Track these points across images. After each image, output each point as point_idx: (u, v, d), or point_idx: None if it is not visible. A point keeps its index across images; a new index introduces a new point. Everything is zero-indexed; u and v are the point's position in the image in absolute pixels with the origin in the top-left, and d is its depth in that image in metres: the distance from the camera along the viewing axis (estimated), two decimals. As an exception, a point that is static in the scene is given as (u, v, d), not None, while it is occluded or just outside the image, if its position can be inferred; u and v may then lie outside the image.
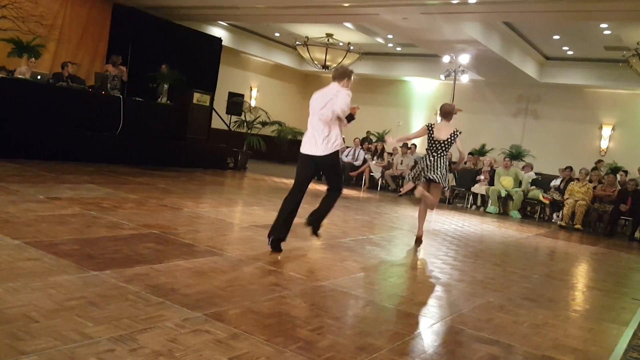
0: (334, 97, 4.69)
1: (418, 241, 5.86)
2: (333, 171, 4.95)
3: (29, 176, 6.61)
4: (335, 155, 4.78)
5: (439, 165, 5.70)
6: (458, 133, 5.75)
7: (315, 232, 5.01)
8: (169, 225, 4.89)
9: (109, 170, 8.42)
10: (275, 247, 4.57)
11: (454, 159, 9.44)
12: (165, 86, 11.21)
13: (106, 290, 2.91)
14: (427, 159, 5.77)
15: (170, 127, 11.02)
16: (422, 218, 5.91)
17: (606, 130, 14.49)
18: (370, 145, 13.76)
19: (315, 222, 4.99)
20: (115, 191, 6.43)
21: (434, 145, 5.76)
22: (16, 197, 5.09)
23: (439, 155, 5.73)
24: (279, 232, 4.61)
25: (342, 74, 4.87)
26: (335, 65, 14.46)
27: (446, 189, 6.33)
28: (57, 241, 3.76)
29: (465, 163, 12.12)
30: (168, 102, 11.20)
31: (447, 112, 5.91)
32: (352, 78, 4.96)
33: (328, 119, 4.69)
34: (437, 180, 5.68)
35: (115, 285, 3.02)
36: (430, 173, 5.69)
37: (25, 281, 2.85)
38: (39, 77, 8.85)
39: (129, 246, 3.93)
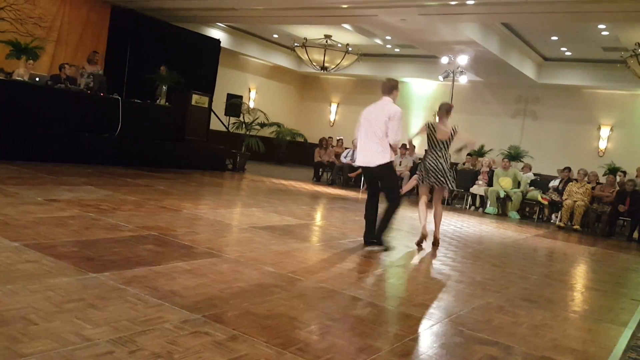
0: (388, 120, 5.09)
1: (423, 239, 5.87)
2: (385, 183, 5.33)
3: (27, 178, 6.61)
4: (387, 166, 5.19)
5: (442, 167, 5.72)
6: (457, 127, 5.80)
7: (375, 243, 5.34)
8: (168, 227, 4.88)
9: (107, 172, 8.41)
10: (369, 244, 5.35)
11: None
12: (164, 88, 11.21)
13: (105, 292, 2.91)
14: (429, 160, 5.78)
15: (168, 129, 11.02)
16: (424, 215, 5.89)
17: (604, 131, 14.52)
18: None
19: (374, 237, 5.35)
20: (114, 193, 6.42)
21: (436, 145, 5.77)
22: (14, 199, 5.08)
23: (440, 155, 5.75)
24: (368, 237, 5.37)
25: (390, 88, 5.29)
26: (333, 66, 14.50)
27: (452, 189, 6.33)
28: (56, 243, 3.75)
29: (470, 155, 12.16)
30: (166, 103, 11.20)
31: (446, 111, 5.94)
32: (399, 88, 5.45)
33: (381, 135, 5.09)
34: (442, 186, 5.75)
35: (114, 287, 3.01)
36: (434, 178, 5.72)
37: (24, 283, 2.85)
38: (37, 79, 8.84)
39: (127, 248, 3.93)
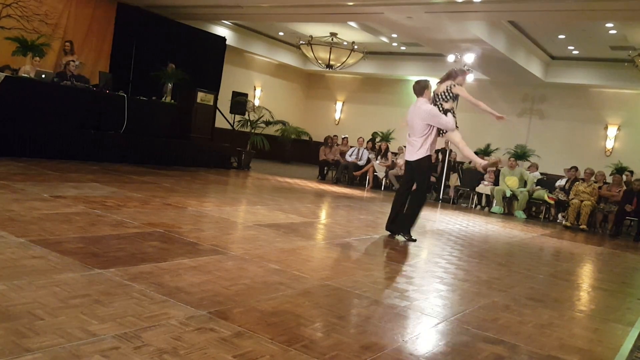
0: (430, 118, 5.67)
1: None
2: (418, 176, 5.82)
3: (33, 175, 6.63)
4: (423, 160, 5.70)
5: None
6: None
7: (398, 234, 5.87)
8: (173, 224, 4.89)
9: (113, 169, 8.43)
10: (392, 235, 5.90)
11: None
12: (170, 85, 11.22)
13: (110, 288, 2.91)
14: None
15: (174, 126, 11.03)
16: None
17: (612, 130, 14.44)
18: (374, 145, 13.76)
19: (398, 228, 5.87)
20: (120, 190, 6.43)
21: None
22: (20, 196, 5.10)
23: None
24: (393, 227, 5.89)
25: (421, 89, 5.82)
26: (339, 64, 14.47)
27: None
28: (62, 239, 3.76)
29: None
30: (172, 101, 11.21)
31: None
32: (429, 86, 5.95)
33: (419, 133, 5.69)
34: None
35: (119, 283, 3.01)
36: None
37: (30, 279, 2.85)
38: (43, 75, 8.86)
39: (133, 244, 3.93)
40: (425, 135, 5.67)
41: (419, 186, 5.84)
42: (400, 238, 5.85)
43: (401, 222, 5.86)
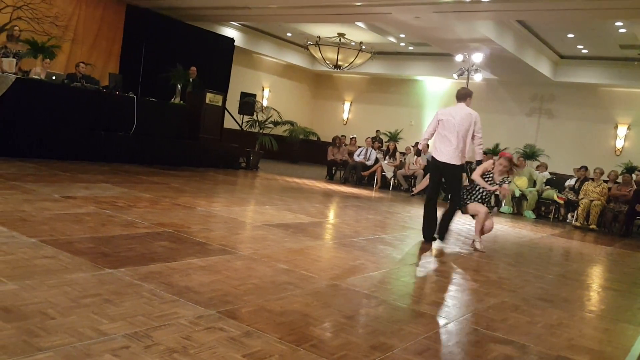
0: (475, 125, 5.74)
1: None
2: (453, 183, 5.83)
3: (44, 175, 6.69)
4: (461, 167, 5.73)
5: None
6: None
7: (438, 238, 5.93)
8: (183, 224, 4.91)
9: (123, 169, 8.48)
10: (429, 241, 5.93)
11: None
12: (179, 86, 11.28)
13: (121, 287, 2.93)
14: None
15: (183, 127, 11.07)
16: None
17: (622, 130, 14.32)
18: (381, 145, 13.74)
19: (440, 234, 5.92)
20: (130, 190, 6.47)
21: None
22: (32, 196, 5.14)
23: None
24: (431, 233, 5.92)
25: (466, 95, 5.89)
26: (346, 65, 14.46)
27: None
28: (73, 239, 3.80)
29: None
30: (181, 102, 11.26)
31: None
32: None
33: (462, 137, 5.67)
34: None
35: (129, 282, 3.04)
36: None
37: (41, 279, 2.88)
38: (53, 77, 8.94)
39: (143, 244, 3.96)
40: (466, 139, 5.72)
41: (457, 196, 5.83)
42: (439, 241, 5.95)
43: (432, 228, 5.92)
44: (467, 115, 5.74)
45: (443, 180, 5.92)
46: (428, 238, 5.95)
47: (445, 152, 5.73)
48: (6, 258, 3.15)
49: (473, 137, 5.76)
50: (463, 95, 5.90)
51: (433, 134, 5.98)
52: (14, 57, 8.82)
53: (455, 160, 5.70)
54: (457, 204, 5.88)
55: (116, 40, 12.37)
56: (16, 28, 9.49)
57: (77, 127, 8.90)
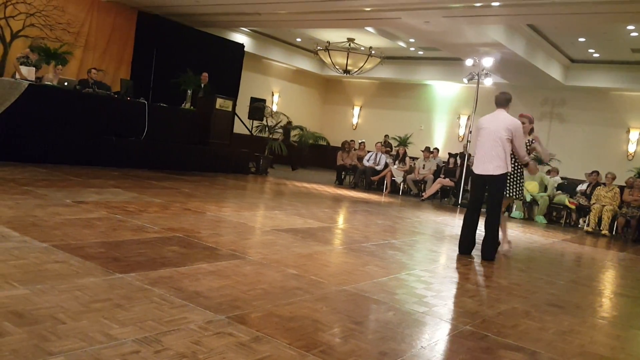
0: (513, 135, 5.41)
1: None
2: (494, 193, 5.51)
3: (56, 181, 6.75)
4: (503, 177, 5.43)
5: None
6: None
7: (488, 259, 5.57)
8: (193, 229, 4.93)
9: (133, 174, 8.54)
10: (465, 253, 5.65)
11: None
12: (189, 92, 11.36)
13: (131, 292, 2.95)
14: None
15: (193, 132, 11.14)
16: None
17: (634, 134, 14.20)
18: (389, 149, 13.72)
19: (488, 252, 5.56)
20: (140, 195, 6.52)
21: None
22: (43, 201, 5.19)
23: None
24: (468, 249, 5.65)
25: (506, 100, 5.59)
26: (356, 70, 14.48)
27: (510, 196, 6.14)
28: (84, 244, 3.82)
29: None
30: (191, 107, 11.33)
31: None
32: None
33: (502, 145, 5.37)
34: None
35: (140, 287, 3.05)
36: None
37: (53, 283, 2.91)
38: (65, 83, 9.04)
39: (153, 249, 3.98)
40: (507, 148, 5.41)
41: (497, 208, 5.53)
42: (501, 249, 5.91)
43: (487, 247, 5.56)
44: (504, 123, 5.43)
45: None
46: (468, 252, 5.67)
47: (483, 163, 5.47)
48: (18, 263, 3.18)
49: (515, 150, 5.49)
50: (502, 101, 5.60)
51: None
52: (33, 66, 8.90)
53: (494, 171, 5.39)
54: (497, 219, 5.55)
55: (127, 47, 12.49)
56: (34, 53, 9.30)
57: (88, 133, 8.98)
